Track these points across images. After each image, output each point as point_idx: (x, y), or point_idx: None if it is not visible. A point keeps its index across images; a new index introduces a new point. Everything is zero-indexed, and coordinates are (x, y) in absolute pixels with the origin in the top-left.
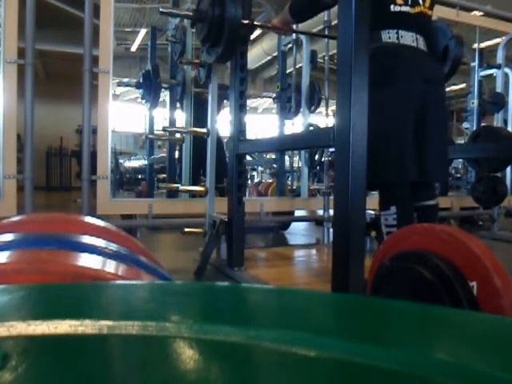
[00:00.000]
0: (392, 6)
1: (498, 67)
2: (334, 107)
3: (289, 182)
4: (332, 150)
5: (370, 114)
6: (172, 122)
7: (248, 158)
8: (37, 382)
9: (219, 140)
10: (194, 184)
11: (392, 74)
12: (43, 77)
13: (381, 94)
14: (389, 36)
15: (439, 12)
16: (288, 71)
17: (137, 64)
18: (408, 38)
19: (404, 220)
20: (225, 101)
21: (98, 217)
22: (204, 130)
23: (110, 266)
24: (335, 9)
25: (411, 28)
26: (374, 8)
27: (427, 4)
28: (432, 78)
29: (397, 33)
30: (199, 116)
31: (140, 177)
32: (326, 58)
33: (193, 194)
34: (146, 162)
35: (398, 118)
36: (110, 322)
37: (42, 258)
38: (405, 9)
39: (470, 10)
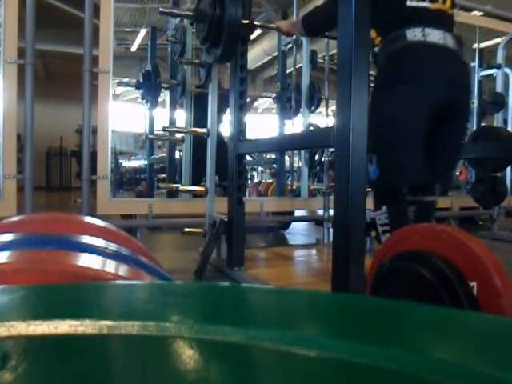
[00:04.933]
0: (408, 2)
1: (498, 67)
2: (334, 107)
3: (289, 182)
4: (332, 149)
5: (387, 115)
6: (172, 122)
7: (248, 157)
8: (37, 382)
9: (222, 140)
10: (195, 184)
11: (410, 73)
12: (43, 77)
13: (393, 95)
14: (414, 34)
15: None
16: (288, 71)
17: (137, 64)
18: (435, 36)
19: (396, 217)
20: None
21: (98, 217)
22: (204, 130)
23: (110, 266)
24: None
25: (438, 25)
26: (389, 5)
27: (448, 3)
28: (456, 80)
29: (422, 30)
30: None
31: (140, 177)
32: (326, 58)
33: (193, 194)
34: (146, 162)
35: (410, 122)
36: (110, 322)
37: (42, 258)
38: (422, 4)
39: (470, 9)
